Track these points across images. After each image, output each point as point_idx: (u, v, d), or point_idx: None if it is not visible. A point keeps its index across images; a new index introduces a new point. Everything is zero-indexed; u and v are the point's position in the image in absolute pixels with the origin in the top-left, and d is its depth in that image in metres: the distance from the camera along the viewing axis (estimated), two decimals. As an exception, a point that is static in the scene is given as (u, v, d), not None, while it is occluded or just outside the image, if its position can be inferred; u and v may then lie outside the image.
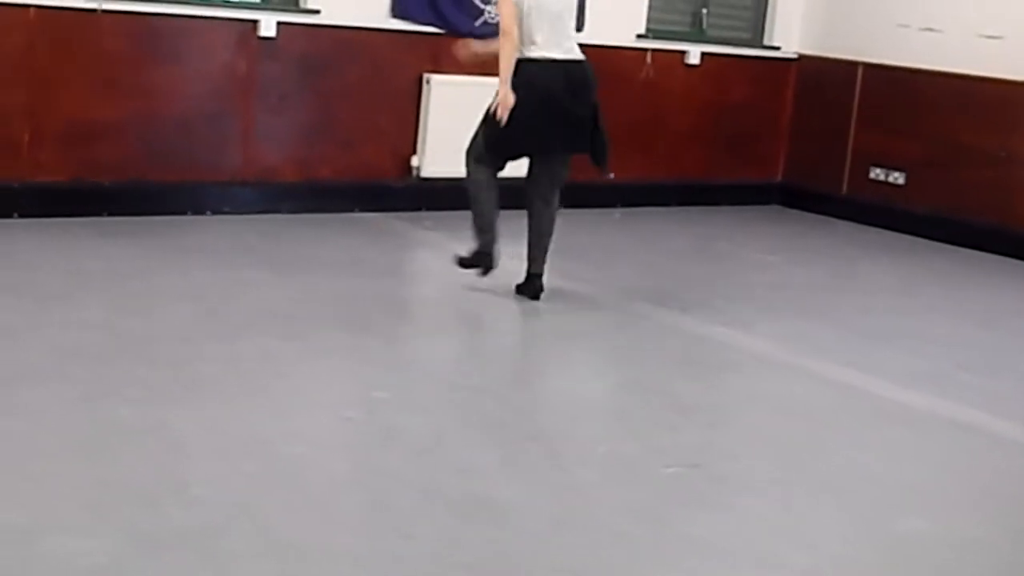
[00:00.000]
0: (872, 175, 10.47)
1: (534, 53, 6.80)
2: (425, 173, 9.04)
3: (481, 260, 6.99)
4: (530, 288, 7.00)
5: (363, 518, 4.27)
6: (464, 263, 7.03)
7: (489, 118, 6.82)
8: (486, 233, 6.96)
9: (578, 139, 6.95)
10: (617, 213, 9.92)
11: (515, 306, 6.93)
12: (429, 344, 6.40)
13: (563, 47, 6.84)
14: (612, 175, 7.40)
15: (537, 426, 5.32)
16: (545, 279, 7.00)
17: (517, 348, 6.56)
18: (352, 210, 8.87)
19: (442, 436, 5.01)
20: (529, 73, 6.78)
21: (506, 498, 4.44)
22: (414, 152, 9.07)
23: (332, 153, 8.86)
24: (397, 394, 5.48)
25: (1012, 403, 6.09)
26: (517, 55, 6.76)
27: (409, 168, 9.09)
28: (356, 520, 4.25)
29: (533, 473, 4.74)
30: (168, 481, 4.32)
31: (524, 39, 6.78)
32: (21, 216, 7.75)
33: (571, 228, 9.35)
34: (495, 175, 6.98)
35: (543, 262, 7.04)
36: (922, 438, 5.57)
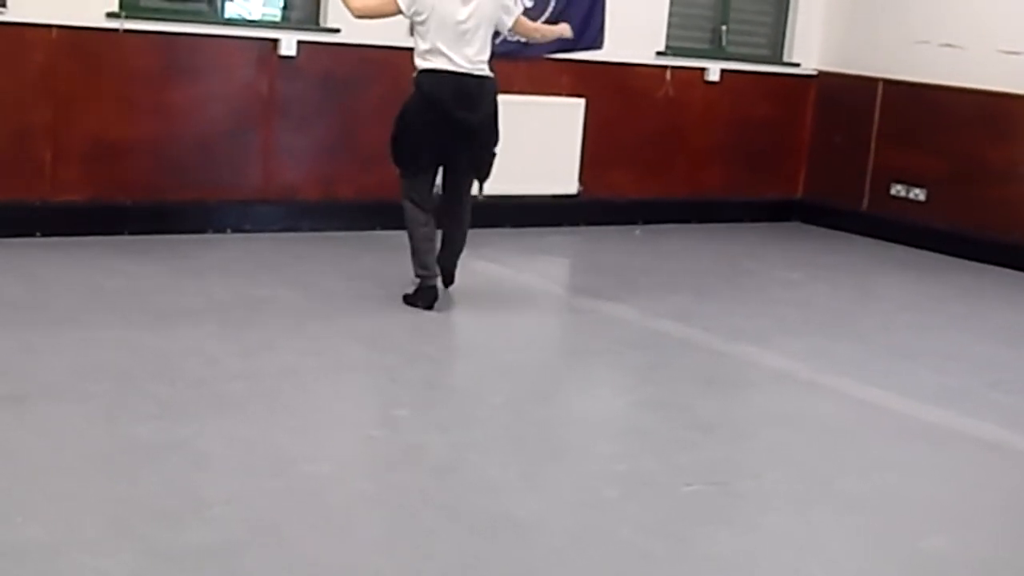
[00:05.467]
0: (893, 191, 10.44)
1: (431, 63, 6.82)
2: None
3: (421, 296, 7.00)
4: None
5: (385, 536, 4.26)
6: (407, 299, 7.04)
7: (394, 129, 6.97)
8: (424, 268, 7.00)
9: (467, 152, 6.96)
10: (638, 230, 9.91)
11: (535, 323, 6.93)
12: (450, 361, 6.40)
13: (469, 60, 6.84)
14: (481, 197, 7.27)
15: (558, 443, 5.31)
16: (568, 297, 6.98)
17: (537, 365, 6.55)
18: (373, 228, 8.88)
19: (464, 454, 5.00)
20: (425, 84, 6.85)
21: (527, 515, 4.43)
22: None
23: (352, 171, 8.87)
24: (418, 412, 5.48)
25: (1035, 420, 6.06)
26: (416, 68, 6.86)
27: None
28: (378, 538, 4.24)
29: (554, 490, 4.73)
30: (189, 499, 4.32)
31: (424, 47, 6.83)
32: (43, 235, 7.79)
33: (592, 245, 9.38)
34: (424, 206, 7.00)
35: (455, 266, 7.17)
36: (945, 456, 5.54)
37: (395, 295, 7.08)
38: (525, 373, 6.28)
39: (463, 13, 6.80)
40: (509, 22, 7.08)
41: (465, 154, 6.97)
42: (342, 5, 7.05)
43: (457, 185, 7.10)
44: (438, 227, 7.10)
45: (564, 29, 7.61)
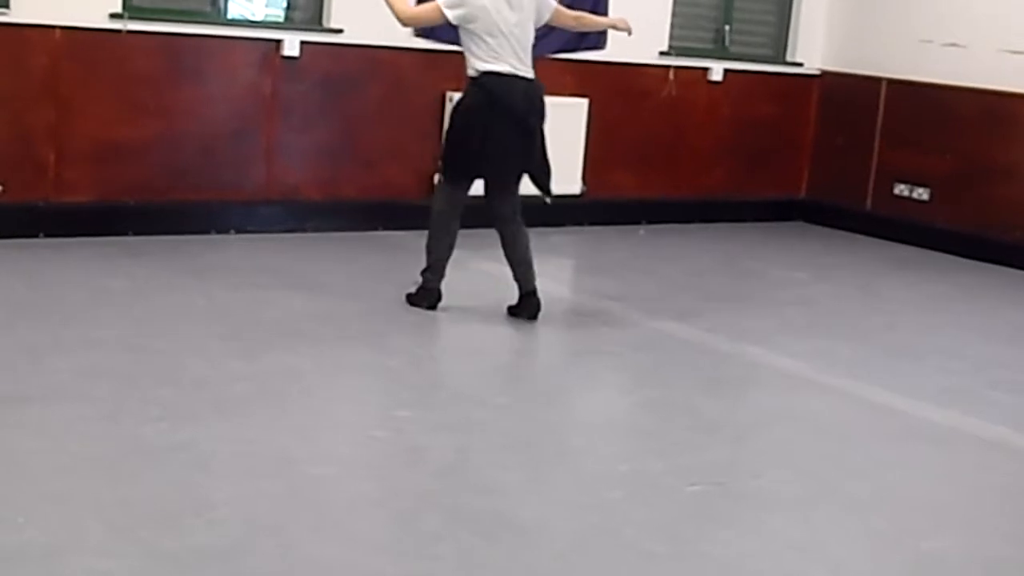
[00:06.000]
0: (896, 191, 10.44)
1: (493, 66, 6.62)
2: (448, 191, 9.04)
3: (425, 297, 6.94)
4: (528, 308, 6.88)
5: (388, 538, 4.26)
6: (409, 299, 6.98)
7: (448, 133, 6.80)
8: (435, 274, 6.93)
9: (530, 157, 6.77)
10: (641, 230, 9.90)
11: (538, 323, 6.91)
12: (452, 362, 6.40)
13: (522, 62, 6.68)
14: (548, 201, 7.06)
15: (561, 444, 5.31)
16: (572, 296, 6.97)
17: (541, 366, 6.54)
18: (376, 228, 8.88)
19: (466, 455, 5.00)
20: (491, 85, 6.62)
21: (530, 517, 4.43)
22: (437, 171, 9.06)
23: (355, 172, 8.87)
24: (421, 413, 5.48)
25: (1040, 420, 6.05)
26: (473, 71, 6.65)
27: (432, 186, 9.08)
28: (379, 540, 4.24)
29: (557, 492, 4.72)
30: (192, 500, 4.32)
31: (481, 51, 6.62)
32: (47, 236, 7.79)
33: (596, 245, 9.38)
34: (458, 216, 6.87)
35: (533, 279, 6.90)
36: (949, 456, 5.54)
37: (398, 296, 7.08)
38: (527, 374, 6.28)
39: (513, 16, 6.64)
40: (547, 15, 6.88)
41: (526, 159, 6.75)
42: (387, 10, 6.80)
43: (512, 193, 6.85)
44: (500, 237, 6.92)
45: (620, 21, 7.33)
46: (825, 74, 10.91)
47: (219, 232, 8.41)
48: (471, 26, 6.62)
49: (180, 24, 8.13)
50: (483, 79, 6.63)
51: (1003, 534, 4.73)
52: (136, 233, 8.07)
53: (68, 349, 5.82)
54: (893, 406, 6.06)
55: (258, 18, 8.77)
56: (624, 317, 7.31)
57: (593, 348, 6.78)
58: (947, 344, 7.33)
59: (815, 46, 10.89)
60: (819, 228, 10.80)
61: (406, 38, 8.81)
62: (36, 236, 7.76)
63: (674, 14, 10.13)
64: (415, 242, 8.68)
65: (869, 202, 10.64)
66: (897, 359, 6.90)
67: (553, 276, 8.03)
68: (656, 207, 10.19)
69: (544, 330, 6.93)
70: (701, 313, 7.53)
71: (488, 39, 6.60)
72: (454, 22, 6.65)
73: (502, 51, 6.61)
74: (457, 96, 8.75)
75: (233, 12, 8.52)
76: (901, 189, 10.40)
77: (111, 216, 8.05)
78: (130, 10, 7.90)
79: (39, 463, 4.55)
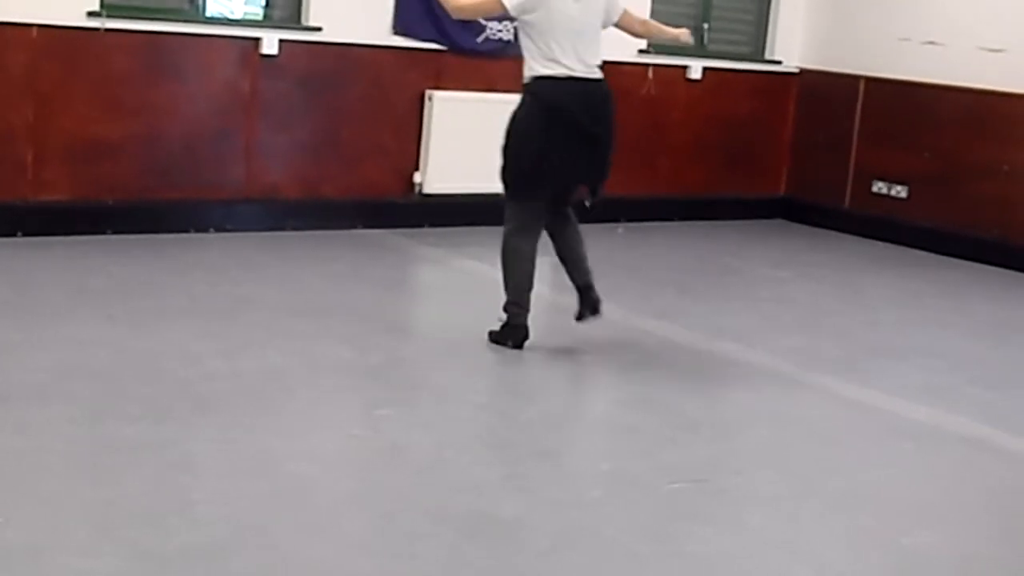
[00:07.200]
0: (875, 189, 10.47)
1: (549, 69, 6.19)
2: (428, 190, 9.05)
3: (509, 335, 6.40)
4: (588, 304, 6.52)
5: (369, 537, 4.26)
6: (492, 337, 6.45)
7: (505, 146, 6.27)
8: (518, 305, 6.38)
9: (593, 166, 6.40)
10: (620, 228, 9.91)
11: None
12: (432, 361, 6.39)
13: (586, 63, 6.25)
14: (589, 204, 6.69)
15: (542, 443, 5.30)
16: (552, 295, 6.97)
17: (521, 365, 6.54)
18: (355, 227, 8.87)
19: (447, 453, 5.00)
20: (545, 91, 6.19)
21: (511, 515, 4.43)
22: (416, 169, 9.07)
23: (335, 170, 8.86)
24: (401, 411, 5.47)
25: (1019, 417, 6.07)
26: (528, 76, 6.22)
27: (412, 185, 9.09)
28: (362, 539, 4.24)
29: (538, 490, 4.72)
30: (173, 500, 4.31)
31: (536, 51, 6.20)
32: (25, 235, 7.76)
33: (574, 244, 9.36)
34: (535, 236, 6.36)
35: (588, 273, 6.53)
36: (929, 453, 5.56)
37: (378, 294, 7.08)
38: (507, 372, 6.27)
39: (575, 10, 6.19)
40: (615, 17, 6.47)
41: (591, 170, 6.37)
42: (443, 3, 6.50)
43: (569, 201, 6.50)
44: (550, 236, 6.54)
45: (683, 33, 7.01)
46: (804, 72, 10.94)
47: (199, 231, 8.38)
48: (529, 17, 6.17)
49: (158, 22, 8.10)
50: (536, 86, 6.20)
51: (984, 530, 4.75)
52: (115, 232, 8.05)
53: (48, 348, 5.80)
54: (874, 403, 6.09)
55: (237, 16, 8.74)
56: (604, 315, 7.29)
57: (573, 346, 6.78)
58: (927, 341, 7.36)
59: (794, 44, 10.91)
60: (799, 226, 10.82)
61: (385, 36, 8.81)
62: (14, 235, 7.73)
63: (652, 12, 10.11)
64: (395, 240, 8.72)
65: (848, 200, 10.68)
66: (878, 356, 6.93)
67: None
68: (635, 205, 10.18)
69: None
70: (681, 311, 7.55)
71: (546, 35, 6.15)
72: (512, 12, 6.21)
73: (561, 50, 6.15)
74: (437, 94, 8.94)
75: (212, 10, 8.49)
76: (879, 187, 10.43)
77: (90, 215, 8.02)
78: (108, 8, 7.86)
79: (20, 463, 4.53)
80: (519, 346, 6.39)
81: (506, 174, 6.28)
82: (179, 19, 8.24)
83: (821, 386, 6.29)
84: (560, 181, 6.33)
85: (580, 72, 6.21)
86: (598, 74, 6.31)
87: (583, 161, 6.30)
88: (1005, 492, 5.16)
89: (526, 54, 6.26)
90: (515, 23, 6.36)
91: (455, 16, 6.65)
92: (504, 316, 6.41)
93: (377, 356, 6.20)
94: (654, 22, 7.18)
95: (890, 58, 10.29)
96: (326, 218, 8.83)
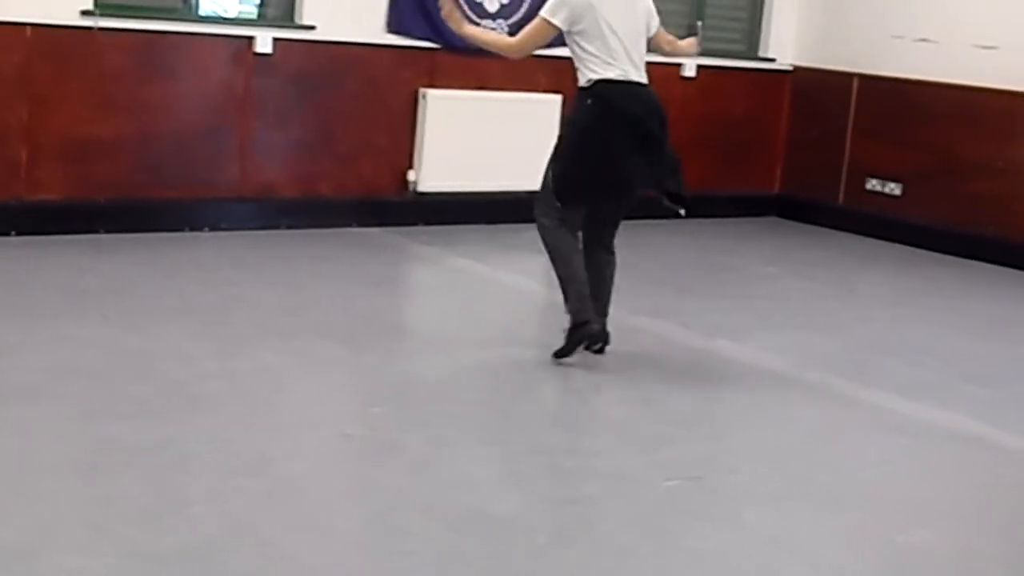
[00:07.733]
0: (869, 186, 10.47)
1: (606, 73, 6.05)
2: (422, 188, 9.04)
3: (579, 334, 6.17)
4: (585, 335, 6.19)
5: (363, 535, 4.26)
6: (561, 353, 6.19)
7: (560, 150, 6.18)
8: (578, 300, 6.15)
9: (659, 173, 6.25)
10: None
11: (512, 319, 6.91)
12: (426, 359, 6.38)
13: (637, 67, 6.15)
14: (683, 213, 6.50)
15: (536, 440, 5.30)
16: (549, 293, 6.96)
17: (515, 362, 6.54)
18: (350, 225, 8.86)
19: (441, 451, 4.99)
20: (608, 95, 6.03)
21: (506, 512, 4.43)
22: (411, 167, 9.06)
23: (329, 169, 8.85)
24: (395, 409, 5.47)
25: (1014, 414, 6.07)
26: (585, 80, 6.07)
27: (406, 183, 9.08)
28: (356, 537, 4.23)
29: (533, 487, 4.72)
30: (168, 498, 4.30)
31: (590, 57, 6.06)
32: (18, 234, 7.75)
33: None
34: (576, 232, 6.24)
35: (605, 311, 6.35)
36: (924, 450, 5.56)
37: (372, 292, 7.07)
38: (501, 369, 6.27)
39: (624, 16, 6.12)
40: (653, 29, 6.39)
41: (652, 174, 6.21)
42: (492, 49, 6.45)
43: (619, 210, 6.37)
44: (586, 255, 6.33)
45: (692, 44, 6.89)
46: (797, 69, 10.94)
47: (193, 230, 8.38)
48: (578, 28, 6.05)
49: (152, 21, 8.09)
50: (597, 88, 6.03)
51: (979, 527, 4.75)
52: (109, 231, 8.03)
53: (42, 348, 5.79)
54: (869, 400, 6.09)
55: (230, 15, 8.74)
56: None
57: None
58: (920, 338, 7.36)
59: (787, 41, 10.91)
60: (793, 223, 10.82)
61: (379, 35, 8.81)
62: (8, 235, 7.71)
63: (647, 10, 10.13)
64: (389, 238, 8.72)
65: (842, 197, 10.67)
66: (873, 353, 6.93)
67: (527, 272, 8.03)
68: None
69: (518, 325, 6.93)
70: (676, 308, 7.55)
71: (597, 42, 6.03)
72: (563, 27, 6.06)
73: (614, 55, 6.04)
74: (432, 92, 8.92)
75: (205, 9, 8.49)
76: (873, 184, 10.43)
77: (84, 214, 8.01)
78: (101, 7, 7.85)
79: (13, 462, 4.52)
80: (593, 345, 6.23)
81: (561, 179, 6.13)
82: (173, 18, 8.24)
83: (816, 383, 6.29)
84: (620, 187, 6.22)
85: (634, 76, 6.12)
86: (646, 79, 6.20)
87: (643, 166, 6.15)
88: (1000, 489, 5.16)
89: (577, 61, 6.12)
90: (565, 35, 6.16)
91: (516, 57, 6.49)
92: (568, 320, 6.19)
93: (371, 354, 6.19)
94: (677, 41, 6.92)
95: (884, 55, 10.29)
96: (320, 217, 8.82)
